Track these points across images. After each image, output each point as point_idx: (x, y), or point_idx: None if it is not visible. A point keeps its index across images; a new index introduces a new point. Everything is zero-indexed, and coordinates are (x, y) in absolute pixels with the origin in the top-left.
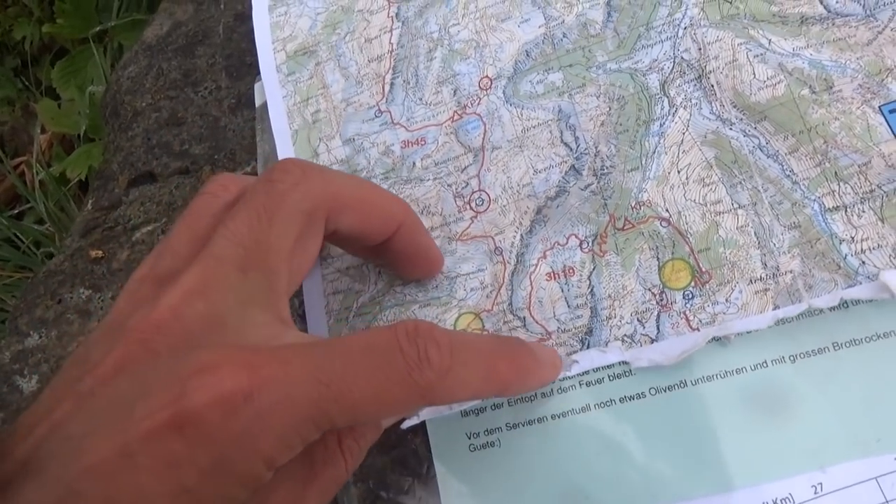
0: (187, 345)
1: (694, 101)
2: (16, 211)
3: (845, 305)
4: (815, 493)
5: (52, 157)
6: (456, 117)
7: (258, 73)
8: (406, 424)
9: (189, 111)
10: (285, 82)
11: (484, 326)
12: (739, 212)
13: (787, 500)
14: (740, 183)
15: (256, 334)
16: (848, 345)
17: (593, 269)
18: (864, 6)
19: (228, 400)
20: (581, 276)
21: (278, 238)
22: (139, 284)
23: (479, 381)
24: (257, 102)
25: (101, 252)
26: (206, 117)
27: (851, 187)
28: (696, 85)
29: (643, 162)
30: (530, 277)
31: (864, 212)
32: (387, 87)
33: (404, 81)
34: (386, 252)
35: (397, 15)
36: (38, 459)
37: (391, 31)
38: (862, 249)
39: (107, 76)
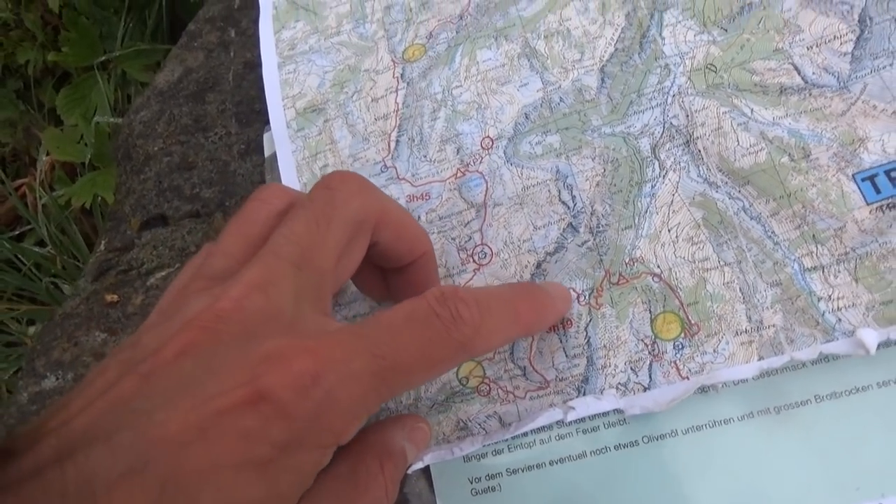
0: (249, 335)
1: (683, 165)
2: (16, 232)
3: (826, 359)
4: None
5: (55, 179)
6: (459, 174)
7: (267, 122)
8: (412, 468)
9: (200, 156)
10: (295, 137)
11: (485, 374)
12: (725, 269)
13: None
14: (726, 242)
15: (309, 325)
16: (829, 397)
17: (590, 320)
18: (838, 78)
19: (299, 381)
20: (578, 327)
21: (332, 241)
22: (190, 281)
23: (507, 326)
24: (266, 153)
25: (116, 296)
26: (217, 162)
27: (828, 249)
28: (684, 149)
29: (636, 221)
30: (533, 336)
31: (839, 272)
32: (392, 144)
33: (409, 139)
34: (401, 281)
35: (402, 76)
36: (102, 430)
37: (397, 91)
38: (838, 307)
39: (111, 105)
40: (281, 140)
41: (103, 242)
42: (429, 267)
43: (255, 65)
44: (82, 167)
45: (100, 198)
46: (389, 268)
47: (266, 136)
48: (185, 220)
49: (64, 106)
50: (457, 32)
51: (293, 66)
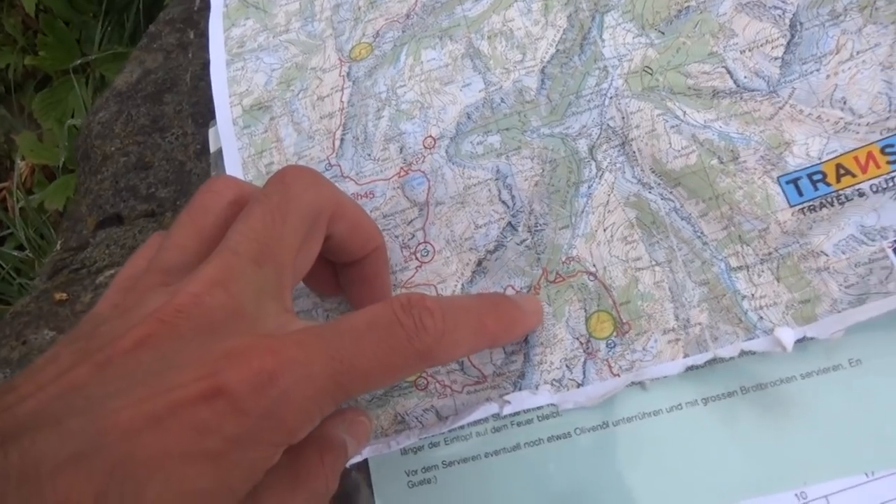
0: (210, 330)
1: (618, 166)
2: None
3: (751, 353)
4: None
5: (34, 183)
6: (402, 173)
7: (207, 123)
8: (350, 462)
9: (156, 156)
10: (241, 135)
11: (425, 370)
12: (656, 268)
13: None
14: (658, 242)
15: (270, 323)
16: (754, 389)
17: None
18: (768, 82)
19: (257, 379)
20: None
21: (290, 236)
22: (143, 274)
23: (470, 337)
24: (212, 148)
25: (65, 294)
26: (173, 162)
27: (753, 249)
28: (620, 151)
29: (573, 220)
30: None
31: (763, 272)
32: (337, 143)
33: (354, 138)
34: (353, 275)
35: (348, 74)
36: (52, 414)
37: (342, 89)
38: (760, 306)
39: (87, 108)
40: (227, 137)
41: (59, 242)
42: (380, 261)
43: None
44: (59, 171)
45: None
46: (341, 262)
47: (212, 131)
48: (140, 219)
49: (41, 109)
50: (403, 32)
51: (241, 64)
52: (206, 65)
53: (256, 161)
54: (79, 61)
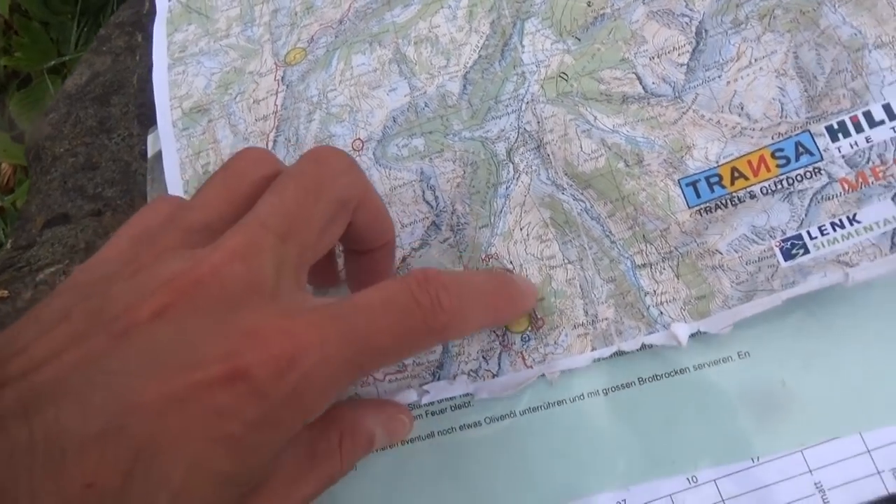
0: (228, 304)
1: (534, 168)
2: None
3: (650, 346)
4: None
5: (16, 183)
6: None
7: (153, 124)
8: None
9: (103, 156)
10: (180, 136)
11: None
12: (569, 266)
13: None
14: (570, 241)
15: (287, 299)
16: (650, 379)
17: None
18: (673, 88)
19: (277, 364)
20: None
21: (318, 216)
22: (161, 229)
23: (481, 316)
24: (149, 153)
25: (6, 292)
26: (119, 162)
27: (655, 248)
28: (535, 153)
29: (492, 220)
30: None
31: (664, 269)
32: (270, 144)
33: (286, 139)
34: (360, 265)
35: (283, 78)
36: (73, 387)
37: (277, 93)
38: (661, 302)
39: None
40: (167, 138)
41: (10, 241)
42: (390, 256)
43: None
44: None
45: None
46: (353, 249)
47: (151, 137)
48: (85, 218)
49: (18, 110)
50: (335, 37)
51: (182, 68)
52: (151, 68)
53: (194, 161)
54: (53, 62)
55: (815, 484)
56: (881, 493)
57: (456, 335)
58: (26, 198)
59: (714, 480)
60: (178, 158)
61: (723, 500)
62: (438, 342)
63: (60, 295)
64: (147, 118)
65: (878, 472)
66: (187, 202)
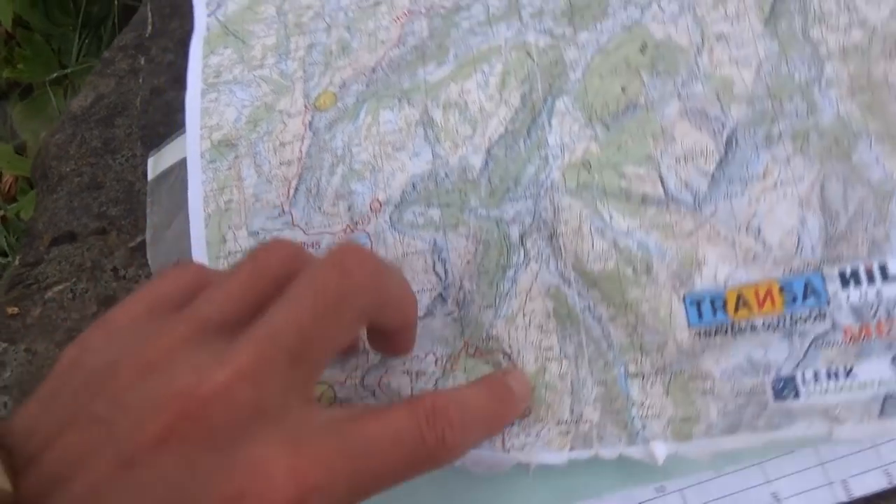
0: (233, 433)
1: (544, 257)
2: None
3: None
4: None
5: (17, 191)
6: (348, 230)
7: (156, 146)
8: None
9: (108, 176)
10: (206, 168)
11: (336, 396)
12: (564, 361)
13: None
14: (569, 336)
15: (293, 419)
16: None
17: (440, 376)
18: (695, 197)
19: None
20: (429, 379)
21: (335, 337)
22: (177, 313)
23: (481, 436)
24: (150, 175)
25: (16, 309)
26: (123, 182)
27: (650, 361)
28: (547, 243)
29: (497, 301)
30: (387, 370)
31: (655, 383)
32: (292, 191)
33: (307, 189)
34: (381, 338)
35: (310, 124)
36: None
37: (303, 139)
38: (646, 415)
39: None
40: (194, 168)
41: (18, 258)
42: (411, 334)
43: (161, 91)
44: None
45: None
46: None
47: (152, 159)
48: (91, 236)
49: (20, 120)
50: (367, 86)
51: (215, 95)
52: (154, 90)
53: (217, 196)
54: (55, 74)
55: (772, 494)
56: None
57: (453, 461)
58: (33, 214)
59: (681, 490)
60: (203, 191)
61: None
62: (434, 468)
63: (70, 374)
64: (150, 140)
65: (830, 484)
66: (209, 282)
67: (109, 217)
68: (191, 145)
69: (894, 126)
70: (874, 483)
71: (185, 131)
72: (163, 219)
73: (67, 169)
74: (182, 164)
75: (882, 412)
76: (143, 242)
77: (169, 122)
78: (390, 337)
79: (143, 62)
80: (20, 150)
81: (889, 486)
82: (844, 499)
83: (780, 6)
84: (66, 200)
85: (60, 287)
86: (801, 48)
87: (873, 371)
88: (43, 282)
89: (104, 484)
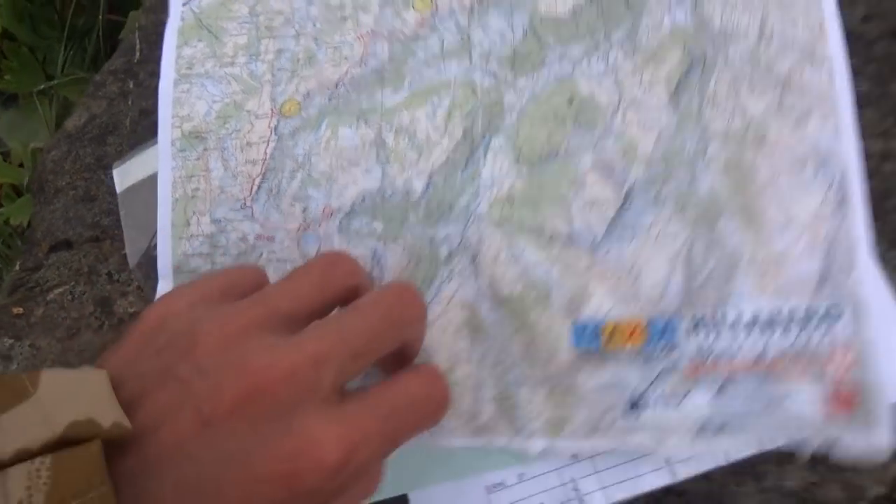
0: (293, 405)
1: (466, 275)
2: None
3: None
4: None
5: (3, 196)
6: (301, 229)
7: (117, 161)
8: None
9: (100, 190)
10: (176, 156)
11: None
12: (470, 364)
13: None
14: (478, 344)
15: (337, 401)
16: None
17: None
18: (593, 239)
19: (330, 469)
20: None
21: (385, 347)
22: (253, 303)
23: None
24: (119, 188)
25: (21, 309)
26: (115, 196)
27: (538, 371)
28: (470, 263)
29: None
30: None
31: (539, 390)
32: (255, 188)
33: (269, 189)
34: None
35: (276, 128)
36: (167, 468)
37: (268, 142)
38: (530, 415)
39: (50, 130)
40: (164, 154)
41: (18, 263)
42: (410, 361)
43: (149, 112)
44: (24, 189)
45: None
46: None
47: (117, 171)
48: (86, 244)
49: (7, 130)
50: (329, 100)
51: (187, 87)
52: (142, 111)
53: (185, 183)
54: (42, 86)
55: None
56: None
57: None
58: (31, 223)
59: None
60: (172, 177)
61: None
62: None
63: (155, 334)
64: None
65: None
66: (277, 283)
67: (102, 227)
68: (162, 132)
69: (751, 206)
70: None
71: (152, 144)
72: (139, 232)
73: (63, 182)
74: (151, 179)
75: (696, 437)
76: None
77: (154, 141)
78: (395, 359)
79: (131, 86)
80: (5, 157)
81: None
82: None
83: (684, 83)
84: (63, 211)
85: (60, 289)
86: (693, 125)
87: (698, 401)
88: (44, 285)
89: (186, 437)
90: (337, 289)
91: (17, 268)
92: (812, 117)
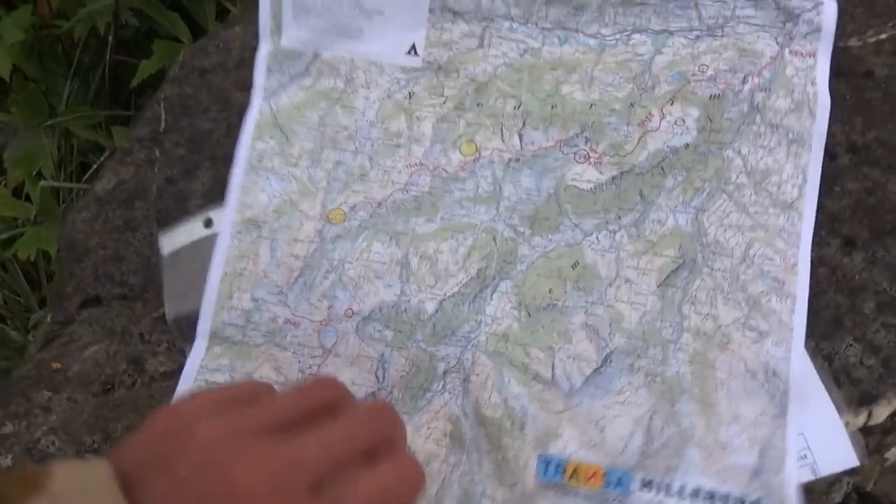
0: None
1: (455, 393)
2: None
3: None
4: None
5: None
6: (324, 323)
7: (165, 227)
8: None
9: (128, 251)
10: (234, 235)
11: None
12: (444, 466)
13: None
14: (454, 454)
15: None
16: None
17: None
18: (570, 388)
19: None
20: None
21: (355, 456)
22: (253, 415)
23: None
24: (165, 251)
25: (59, 364)
26: (141, 256)
27: (503, 492)
28: (461, 383)
29: (412, 411)
30: None
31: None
32: (292, 279)
33: (304, 282)
34: None
35: (321, 231)
36: None
37: (311, 243)
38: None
39: (55, 164)
40: (224, 231)
41: (49, 315)
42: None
43: (174, 180)
44: (28, 222)
45: (53, 290)
46: None
47: (164, 238)
48: (114, 301)
49: (11, 161)
50: (370, 216)
51: (255, 178)
52: (168, 179)
53: (236, 261)
54: (49, 122)
55: None
56: None
57: None
58: (59, 278)
59: None
60: (227, 254)
61: None
62: None
63: (164, 430)
64: (165, 222)
65: None
66: (274, 394)
67: (129, 285)
68: (228, 212)
69: (707, 396)
70: None
71: (197, 216)
72: (184, 292)
73: (93, 242)
74: (192, 246)
75: None
76: (165, 314)
77: (180, 208)
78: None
79: (157, 154)
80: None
81: None
82: None
83: (672, 278)
84: (92, 269)
85: (96, 347)
86: (673, 315)
87: None
88: (78, 341)
89: None
90: (319, 403)
91: (49, 320)
92: (769, 339)
